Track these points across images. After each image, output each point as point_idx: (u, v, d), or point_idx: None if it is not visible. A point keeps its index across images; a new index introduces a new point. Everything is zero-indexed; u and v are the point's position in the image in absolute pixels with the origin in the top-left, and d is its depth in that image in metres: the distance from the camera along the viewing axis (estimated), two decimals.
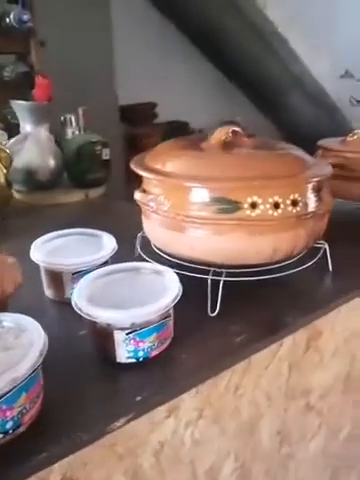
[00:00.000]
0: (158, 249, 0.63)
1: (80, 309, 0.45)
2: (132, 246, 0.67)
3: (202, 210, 0.52)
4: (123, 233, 0.64)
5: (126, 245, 0.64)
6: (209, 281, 0.55)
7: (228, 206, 0.51)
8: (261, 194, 0.51)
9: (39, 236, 0.62)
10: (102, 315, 0.44)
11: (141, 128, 2.64)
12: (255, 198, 0.51)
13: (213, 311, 0.55)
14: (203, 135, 0.63)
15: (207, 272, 0.57)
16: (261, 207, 0.51)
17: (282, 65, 2.83)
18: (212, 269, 0.57)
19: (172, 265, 0.57)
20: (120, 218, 0.89)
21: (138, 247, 0.66)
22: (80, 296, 0.46)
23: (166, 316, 0.46)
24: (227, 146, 0.58)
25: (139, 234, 0.67)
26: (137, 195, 0.60)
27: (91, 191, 1.11)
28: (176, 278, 0.50)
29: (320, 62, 2.92)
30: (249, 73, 3.03)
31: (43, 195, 1.06)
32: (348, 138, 0.94)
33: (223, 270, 0.56)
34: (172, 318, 0.49)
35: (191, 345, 0.50)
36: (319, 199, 0.56)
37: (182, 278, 0.51)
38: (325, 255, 0.66)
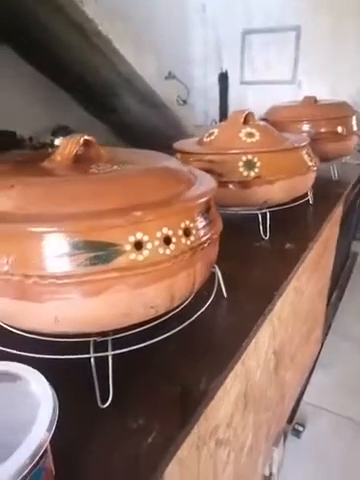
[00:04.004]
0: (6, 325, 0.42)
1: None
2: None
3: (63, 264, 0.34)
4: None
5: None
6: (92, 360, 0.38)
7: (102, 252, 0.35)
8: (146, 228, 0.36)
9: None
10: None
11: None
12: (139, 235, 0.36)
13: (104, 401, 0.38)
14: (44, 154, 0.44)
15: (84, 345, 0.39)
16: (149, 246, 0.36)
17: (110, 66, 2.71)
18: (92, 339, 0.40)
19: (30, 345, 0.38)
20: None
21: None
22: None
23: (37, 462, 0.27)
24: (80, 163, 0.42)
25: None
26: None
27: None
28: (46, 387, 0.30)
29: (146, 63, 2.91)
30: (76, 74, 2.83)
31: None
32: (204, 139, 0.86)
33: (108, 338, 0.40)
34: (50, 452, 0.30)
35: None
36: (210, 221, 0.45)
37: (46, 362, 0.34)
38: (218, 280, 0.56)
